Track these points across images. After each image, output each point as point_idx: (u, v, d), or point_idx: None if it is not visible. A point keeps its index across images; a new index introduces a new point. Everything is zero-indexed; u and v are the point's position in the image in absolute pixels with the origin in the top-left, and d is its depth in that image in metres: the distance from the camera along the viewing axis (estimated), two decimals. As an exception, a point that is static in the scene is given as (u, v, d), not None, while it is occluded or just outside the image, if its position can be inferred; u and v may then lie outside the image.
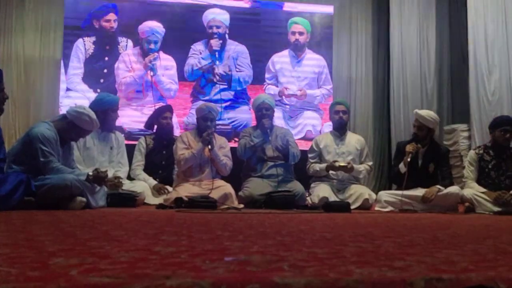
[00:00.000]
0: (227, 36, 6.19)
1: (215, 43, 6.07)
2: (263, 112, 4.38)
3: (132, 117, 5.82)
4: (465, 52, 6.00)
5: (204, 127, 4.11)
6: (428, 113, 4.25)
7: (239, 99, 6.16)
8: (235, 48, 6.20)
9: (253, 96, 6.11)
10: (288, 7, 6.47)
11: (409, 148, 4.07)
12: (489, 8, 5.42)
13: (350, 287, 0.80)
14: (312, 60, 6.39)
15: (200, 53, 6.09)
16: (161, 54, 6.00)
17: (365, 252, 1.19)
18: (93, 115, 3.46)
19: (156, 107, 5.22)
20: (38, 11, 6.00)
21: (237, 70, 6.17)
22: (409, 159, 3.99)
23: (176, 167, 4.29)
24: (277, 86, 6.27)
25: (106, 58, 5.93)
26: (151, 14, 6.08)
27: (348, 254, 1.15)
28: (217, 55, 6.09)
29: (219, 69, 6.08)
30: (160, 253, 1.10)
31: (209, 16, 6.16)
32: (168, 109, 4.76)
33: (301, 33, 6.33)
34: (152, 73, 5.91)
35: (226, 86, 6.09)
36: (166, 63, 6.02)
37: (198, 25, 6.14)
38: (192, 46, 6.12)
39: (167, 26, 6.03)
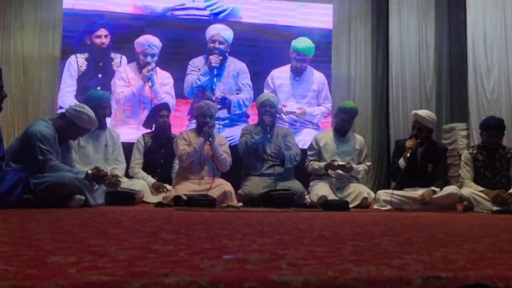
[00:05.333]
0: (227, 54, 6.01)
1: (214, 59, 5.88)
2: (266, 109, 4.38)
3: (128, 135, 5.45)
4: (464, 51, 5.99)
5: (203, 123, 4.13)
6: (427, 113, 4.22)
7: (238, 116, 5.99)
8: (235, 65, 6.04)
9: (252, 114, 5.89)
10: (284, 22, 6.24)
11: (409, 143, 4.07)
12: (488, 7, 5.41)
13: (348, 285, 0.80)
14: (312, 77, 6.22)
15: (199, 70, 5.91)
16: (158, 70, 5.82)
17: (363, 251, 1.19)
18: (92, 114, 3.46)
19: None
20: (37, 9, 5.98)
21: (237, 92, 5.99)
22: (408, 155, 4.00)
23: (178, 163, 4.29)
24: (276, 102, 6.13)
25: (100, 75, 5.72)
26: (146, 30, 5.88)
27: (346, 252, 1.15)
28: (215, 72, 5.91)
29: (219, 89, 5.90)
30: (158, 251, 1.11)
31: (212, 31, 5.97)
32: (165, 107, 4.75)
33: (303, 60, 6.15)
34: (150, 84, 5.71)
35: (225, 111, 5.91)
36: (162, 78, 5.82)
37: (195, 41, 5.98)
38: (190, 62, 5.92)
39: (163, 42, 5.85)
